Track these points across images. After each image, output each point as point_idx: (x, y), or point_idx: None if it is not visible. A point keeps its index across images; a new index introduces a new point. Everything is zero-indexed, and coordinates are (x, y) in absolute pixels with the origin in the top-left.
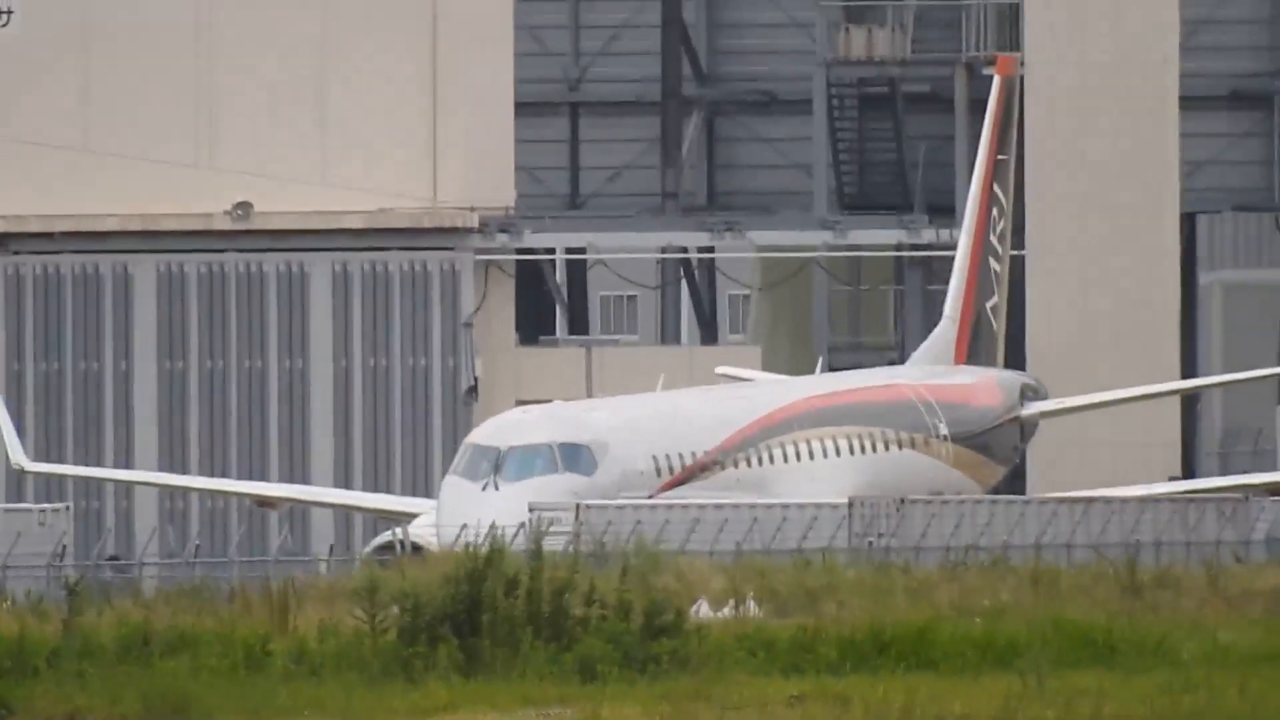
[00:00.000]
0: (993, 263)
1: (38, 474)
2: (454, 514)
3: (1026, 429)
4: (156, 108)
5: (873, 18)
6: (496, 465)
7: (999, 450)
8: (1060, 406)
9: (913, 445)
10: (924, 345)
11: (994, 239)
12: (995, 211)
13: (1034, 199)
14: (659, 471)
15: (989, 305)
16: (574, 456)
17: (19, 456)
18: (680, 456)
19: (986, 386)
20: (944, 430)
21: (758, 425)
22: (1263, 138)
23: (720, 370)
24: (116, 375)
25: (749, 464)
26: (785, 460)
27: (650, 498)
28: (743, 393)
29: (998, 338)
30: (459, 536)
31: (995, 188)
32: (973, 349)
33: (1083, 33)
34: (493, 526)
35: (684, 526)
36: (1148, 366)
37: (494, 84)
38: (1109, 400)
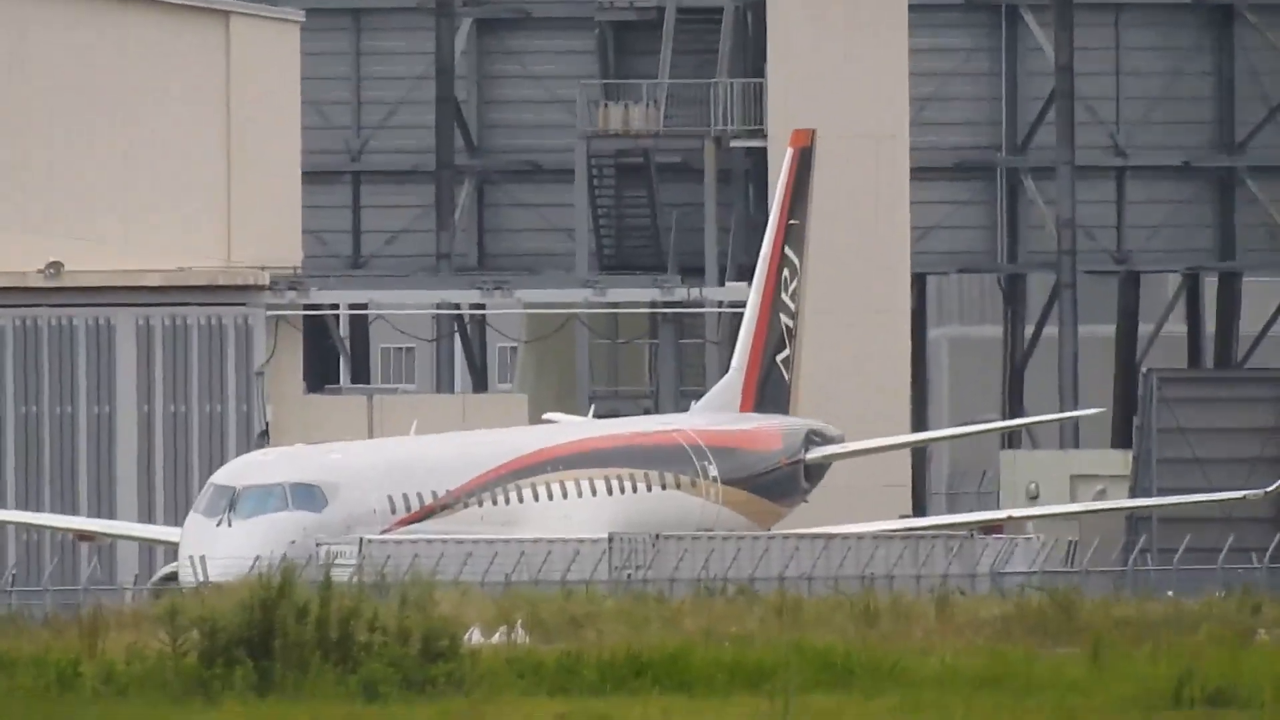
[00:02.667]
0: (784, 318)
1: None
2: (192, 548)
3: (813, 472)
4: None
5: (628, 95)
6: (232, 503)
7: (777, 491)
8: (839, 451)
9: (678, 486)
10: (709, 394)
11: (785, 297)
12: (787, 272)
13: None
14: (394, 509)
15: (779, 358)
16: (304, 495)
17: None
18: (419, 496)
19: (767, 432)
20: (714, 472)
21: (508, 467)
22: (986, 205)
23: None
24: None
25: (495, 502)
26: (537, 499)
27: (383, 533)
28: (497, 437)
29: (788, 387)
30: (194, 569)
31: (787, 249)
32: (760, 398)
33: (820, 110)
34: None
35: (458, 560)
36: (884, 413)
37: (283, 155)
38: (885, 445)
